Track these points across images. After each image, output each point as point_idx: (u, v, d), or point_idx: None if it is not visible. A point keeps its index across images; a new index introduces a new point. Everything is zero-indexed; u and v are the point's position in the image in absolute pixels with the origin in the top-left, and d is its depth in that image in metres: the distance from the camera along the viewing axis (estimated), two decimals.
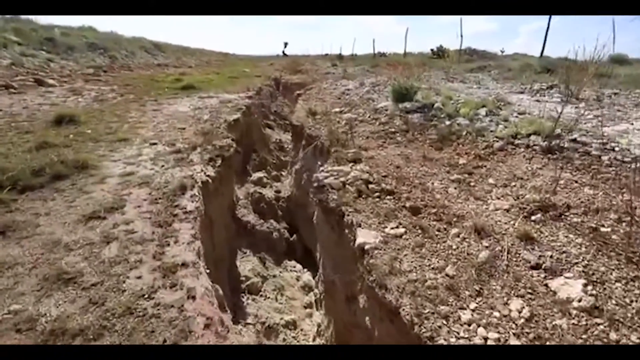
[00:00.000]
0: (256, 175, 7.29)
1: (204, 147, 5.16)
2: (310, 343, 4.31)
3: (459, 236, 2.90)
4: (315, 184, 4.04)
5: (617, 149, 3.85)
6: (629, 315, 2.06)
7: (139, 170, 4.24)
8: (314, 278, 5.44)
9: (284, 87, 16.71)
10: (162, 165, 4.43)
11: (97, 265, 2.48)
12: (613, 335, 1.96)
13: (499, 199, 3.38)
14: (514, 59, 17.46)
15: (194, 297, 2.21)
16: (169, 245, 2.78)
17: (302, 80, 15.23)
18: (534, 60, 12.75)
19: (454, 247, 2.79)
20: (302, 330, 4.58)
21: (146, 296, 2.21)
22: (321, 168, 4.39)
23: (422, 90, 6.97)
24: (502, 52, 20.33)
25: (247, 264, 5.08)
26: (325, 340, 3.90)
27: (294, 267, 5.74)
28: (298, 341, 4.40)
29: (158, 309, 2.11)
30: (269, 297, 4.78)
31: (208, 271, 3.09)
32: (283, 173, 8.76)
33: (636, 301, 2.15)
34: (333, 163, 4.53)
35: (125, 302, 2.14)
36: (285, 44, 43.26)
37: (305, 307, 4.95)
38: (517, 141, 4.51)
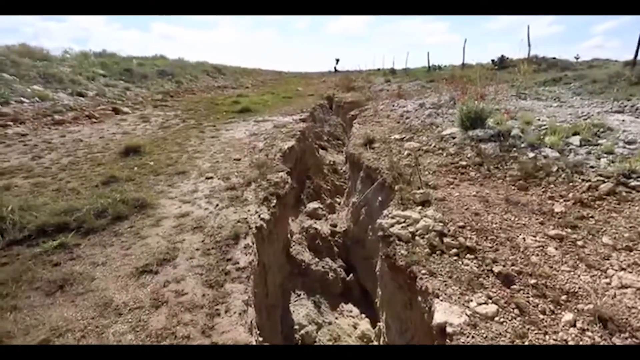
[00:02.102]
0: (311, 205, 7.00)
1: (259, 182, 4.97)
2: None
3: (575, 325, 2.23)
4: (379, 233, 3.57)
5: None
6: None
7: (194, 211, 4.13)
8: (372, 327, 4.91)
9: (337, 106, 16.53)
10: (217, 205, 4.29)
11: (144, 340, 2.25)
12: None
13: (624, 270, 2.62)
14: (593, 66, 15.47)
15: None
16: (219, 315, 2.49)
17: (356, 99, 14.91)
18: (624, 68, 11.01)
19: (571, 343, 2.13)
20: None
21: None
22: (384, 211, 3.91)
23: (494, 114, 6.18)
24: (577, 58, 18.03)
25: (301, 309, 4.73)
26: None
27: (350, 311, 5.27)
28: None
29: None
30: None
31: (261, 339, 2.77)
32: (338, 200, 8.39)
33: None
34: (398, 205, 4.03)
35: None
36: (337, 60, 43.75)
37: None
38: (632, 182, 3.64)
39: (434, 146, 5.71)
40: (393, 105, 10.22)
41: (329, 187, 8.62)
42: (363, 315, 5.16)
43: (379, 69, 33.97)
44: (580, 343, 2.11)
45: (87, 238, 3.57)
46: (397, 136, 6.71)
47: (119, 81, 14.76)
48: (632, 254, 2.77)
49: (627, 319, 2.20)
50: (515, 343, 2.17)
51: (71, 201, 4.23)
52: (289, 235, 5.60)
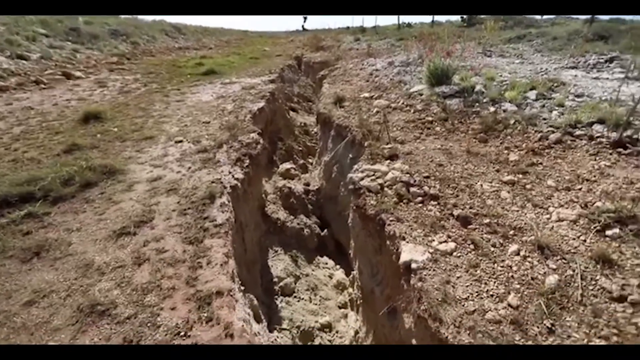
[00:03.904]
0: (283, 166, 7.07)
1: (230, 144, 4.96)
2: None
3: (519, 254, 2.57)
4: (350, 186, 3.76)
5: None
6: None
7: (166, 174, 4.11)
8: (347, 275, 5.27)
9: (306, 66, 16.13)
10: (189, 167, 4.28)
11: (130, 294, 2.36)
12: None
13: (562, 206, 2.98)
14: (556, 23, 15.86)
15: (232, 336, 2.05)
16: (201, 267, 2.63)
17: (325, 59, 14.60)
18: (583, 25, 11.43)
19: (515, 268, 2.47)
20: (337, 332, 4.46)
21: (182, 334, 2.07)
22: (355, 166, 4.08)
23: (460, 71, 6.36)
24: (542, 16, 18.45)
25: (279, 264, 4.97)
26: None
27: (326, 263, 5.59)
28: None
29: None
30: (302, 299, 4.67)
31: (243, 288, 2.96)
32: (310, 160, 8.51)
33: None
34: (367, 160, 4.21)
35: (162, 342, 2.01)
36: (305, 19, 41.83)
37: (340, 307, 4.81)
38: (577, 132, 3.99)
39: (402, 103, 5.86)
40: (362, 64, 10.15)
41: (300, 148, 8.68)
42: (338, 266, 5.51)
43: (348, 28, 32.94)
44: (521, 268, 2.45)
45: (57, 206, 3.51)
46: (367, 94, 6.78)
47: (66, 42, 13.49)
48: (570, 193, 3.13)
49: (559, 245, 2.56)
50: (469, 272, 2.48)
51: (32, 171, 4.07)
52: (263, 195, 5.71)
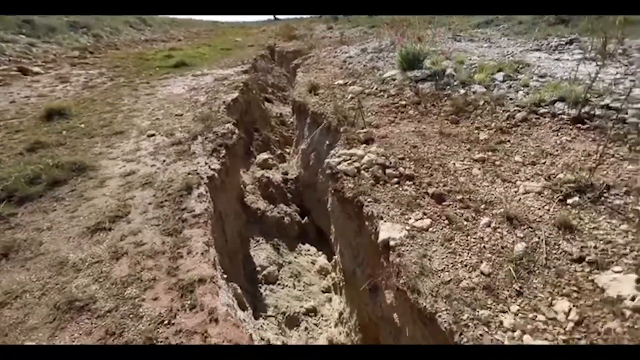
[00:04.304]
0: (261, 156, 7.03)
1: (205, 135, 4.87)
2: (332, 329, 4.29)
3: (489, 226, 2.71)
4: (328, 171, 3.81)
5: None
6: None
7: (140, 169, 4.01)
8: (329, 261, 5.36)
9: (279, 56, 15.93)
10: (164, 161, 4.20)
11: (110, 288, 2.33)
12: None
13: (528, 180, 3.15)
14: None
15: (216, 320, 2.07)
16: (182, 257, 2.61)
17: (298, 48, 14.47)
18: None
19: (486, 239, 2.61)
20: (322, 316, 4.55)
21: (166, 322, 2.07)
22: (332, 151, 4.13)
23: (431, 55, 6.48)
24: None
25: (261, 253, 4.99)
26: (348, 329, 3.86)
27: (308, 250, 5.66)
28: (320, 328, 4.39)
29: (180, 337, 1.98)
30: (286, 285, 4.72)
31: (226, 276, 2.97)
32: (287, 150, 8.49)
33: None
34: (344, 145, 4.26)
35: (145, 331, 2.00)
36: None
37: (324, 292, 4.90)
38: (541, 110, 4.19)
39: (376, 89, 5.93)
40: (336, 52, 10.14)
41: (277, 139, 8.64)
42: (320, 253, 5.59)
43: (320, 16, 32.64)
44: (492, 239, 2.58)
45: (23, 206, 3.37)
46: (341, 81, 6.80)
47: (19, 35, 12.66)
48: (535, 167, 3.30)
49: (526, 215, 2.72)
50: (444, 245, 2.60)
51: None
52: (242, 186, 5.67)
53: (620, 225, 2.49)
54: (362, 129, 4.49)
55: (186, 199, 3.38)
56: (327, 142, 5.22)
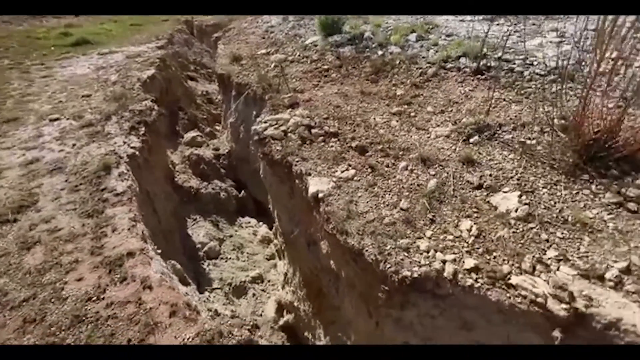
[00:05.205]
0: (189, 135, 6.69)
1: (120, 114, 4.49)
2: (279, 292, 4.44)
3: (407, 169, 2.98)
4: (255, 137, 3.80)
5: (535, 63, 4.09)
6: (554, 215, 2.35)
7: (45, 155, 3.61)
8: (271, 229, 5.44)
9: (198, 31, 14.90)
10: (74, 145, 3.81)
11: (23, 278, 2.14)
12: (543, 235, 2.24)
13: (439, 126, 3.49)
14: None
15: (150, 287, 2.03)
16: (106, 235, 2.48)
17: (218, 20, 13.67)
18: None
19: (404, 180, 2.88)
20: (269, 281, 4.67)
21: (94, 298, 1.98)
22: (258, 118, 4.11)
23: (350, 20, 6.61)
24: None
25: (200, 230, 4.88)
26: (294, 287, 4.03)
27: (249, 222, 5.66)
28: (268, 293, 4.51)
29: (112, 309, 1.92)
30: (230, 258, 4.72)
31: (160, 251, 2.89)
32: (218, 128, 8.18)
33: (558, 202, 2.44)
34: (270, 111, 4.26)
35: (71, 311, 1.90)
36: None
37: (269, 259, 5.00)
38: (448, 65, 4.57)
39: (299, 55, 5.93)
40: (257, 22, 9.78)
41: (205, 117, 8.26)
42: (261, 223, 5.63)
43: None
44: (409, 179, 2.86)
45: None
46: (264, 51, 6.65)
47: None
48: (444, 114, 3.67)
49: (437, 156, 3.04)
50: (368, 190, 2.81)
51: None
52: (171, 166, 5.40)
53: (509, 155, 2.92)
54: (287, 94, 4.51)
55: (105, 179, 3.16)
56: (255, 112, 5.16)
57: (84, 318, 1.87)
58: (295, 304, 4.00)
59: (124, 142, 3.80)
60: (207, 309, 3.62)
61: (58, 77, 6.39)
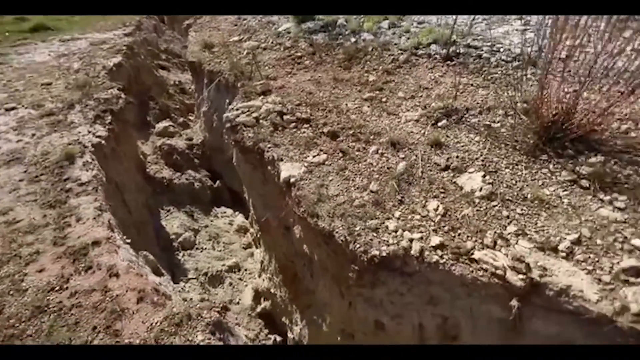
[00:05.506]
0: (160, 125, 6.50)
1: (84, 103, 4.30)
2: (256, 279, 4.45)
3: (377, 152, 3.03)
4: (227, 125, 3.75)
5: (502, 49, 4.22)
6: (515, 193, 2.47)
7: (1, 146, 3.42)
8: (247, 219, 5.42)
9: (169, 18, 14.36)
10: (33, 134, 3.63)
11: None
12: (505, 212, 2.35)
13: (409, 110, 3.55)
14: None
15: (117, 275, 2.00)
16: (70, 226, 2.40)
17: None
18: None
19: (374, 163, 2.93)
20: (246, 270, 4.67)
21: (57, 288, 1.93)
22: (230, 106, 4.05)
23: None
24: None
25: (174, 221, 4.79)
26: (270, 274, 4.05)
27: (225, 212, 5.60)
28: (245, 281, 4.51)
29: (77, 298, 1.88)
30: (205, 248, 4.68)
31: (129, 241, 2.82)
32: (191, 118, 7.99)
33: (519, 181, 2.56)
34: (242, 99, 4.20)
35: (32, 302, 1.85)
36: None
37: (245, 248, 4.99)
38: (420, 52, 4.63)
39: (272, 42, 5.84)
40: None
41: (178, 107, 8.04)
42: (237, 213, 5.59)
43: None
44: (380, 163, 2.91)
45: None
46: (236, 38, 6.51)
47: None
48: (414, 99, 3.74)
49: (407, 140, 3.11)
50: (339, 174, 2.85)
51: None
52: (141, 157, 5.24)
53: (474, 137, 3.02)
54: (259, 81, 4.45)
55: (69, 169, 3.04)
56: (227, 100, 5.06)
57: (45, 308, 1.82)
58: (272, 290, 4.02)
59: (89, 131, 3.66)
60: (182, 298, 3.58)
61: (14, 65, 6.03)
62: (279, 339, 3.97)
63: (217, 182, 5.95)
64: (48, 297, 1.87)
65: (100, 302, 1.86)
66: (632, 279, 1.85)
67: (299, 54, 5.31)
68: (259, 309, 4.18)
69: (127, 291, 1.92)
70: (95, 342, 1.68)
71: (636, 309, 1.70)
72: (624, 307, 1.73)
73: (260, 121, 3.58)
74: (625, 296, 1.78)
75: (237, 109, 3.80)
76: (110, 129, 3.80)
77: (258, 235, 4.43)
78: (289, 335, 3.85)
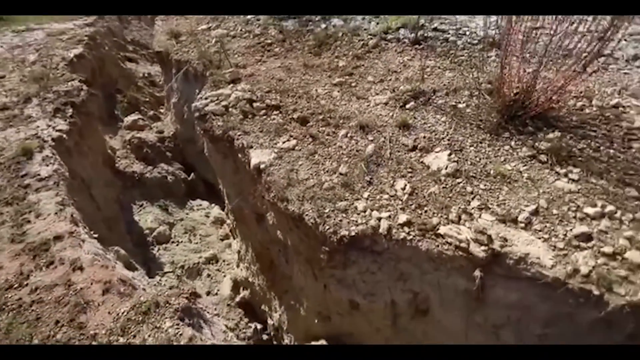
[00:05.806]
0: (129, 118, 6.28)
1: (42, 96, 4.10)
2: (235, 270, 4.44)
3: (347, 136, 3.05)
4: (196, 114, 3.67)
5: (467, 33, 4.29)
6: (479, 170, 2.55)
7: None
8: (223, 210, 5.36)
9: None
10: None
11: None
12: (469, 188, 2.43)
13: (378, 94, 3.58)
14: None
15: (81, 268, 1.94)
16: (29, 222, 2.31)
17: None
18: None
19: (344, 147, 2.95)
20: (224, 261, 4.64)
21: (16, 286, 1.86)
22: (198, 95, 3.96)
23: None
24: None
25: (147, 216, 4.69)
26: (247, 263, 4.04)
27: (200, 205, 5.52)
28: (223, 272, 4.49)
29: (38, 294, 1.82)
30: (181, 241, 4.61)
31: (96, 235, 2.75)
32: (161, 110, 7.76)
33: (483, 158, 2.65)
34: (210, 87, 4.11)
35: None
36: None
37: (223, 239, 4.95)
38: (389, 36, 4.65)
39: (241, 30, 5.72)
40: None
41: (147, 100, 7.78)
42: (213, 205, 5.52)
43: None
44: (349, 146, 2.93)
45: None
46: (204, 26, 6.32)
47: None
48: (383, 83, 3.77)
49: (376, 122, 3.15)
50: (309, 158, 2.85)
51: None
52: (110, 152, 5.07)
53: (441, 118, 3.08)
54: (228, 70, 4.36)
55: (26, 165, 2.90)
56: (197, 90, 4.94)
57: (3, 306, 1.76)
58: (250, 279, 4.03)
59: (48, 125, 3.50)
60: (155, 291, 3.53)
61: None
62: (259, 326, 3.99)
63: (192, 174, 5.84)
64: (6, 295, 1.80)
65: (63, 296, 1.81)
66: (582, 244, 1.97)
67: (269, 41, 5.23)
68: (238, 299, 4.18)
69: (92, 284, 1.88)
70: (59, 336, 1.64)
71: (585, 270, 1.82)
72: (575, 270, 1.85)
73: (230, 109, 3.52)
74: (576, 260, 1.90)
75: (205, 98, 3.73)
76: (72, 122, 3.65)
77: (234, 226, 4.40)
78: (269, 322, 3.88)
